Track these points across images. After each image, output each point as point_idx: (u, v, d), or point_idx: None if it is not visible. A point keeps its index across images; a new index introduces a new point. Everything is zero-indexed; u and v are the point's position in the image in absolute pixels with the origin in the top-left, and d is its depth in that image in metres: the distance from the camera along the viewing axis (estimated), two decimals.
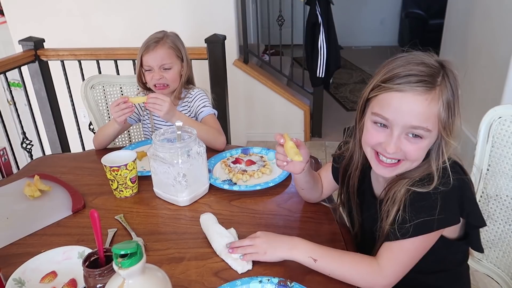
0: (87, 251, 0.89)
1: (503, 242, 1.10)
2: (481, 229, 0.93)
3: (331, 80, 3.46)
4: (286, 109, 3.35)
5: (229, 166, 1.27)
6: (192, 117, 1.50)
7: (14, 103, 2.31)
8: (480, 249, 0.94)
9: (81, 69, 2.35)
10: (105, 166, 1.12)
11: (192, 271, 0.87)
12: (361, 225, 0.99)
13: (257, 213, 1.07)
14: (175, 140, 1.11)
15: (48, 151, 2.53)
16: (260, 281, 0.81)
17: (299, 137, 3.38)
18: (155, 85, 1.45)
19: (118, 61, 2.33)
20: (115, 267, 0.61)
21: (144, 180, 1.20)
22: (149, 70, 1.44)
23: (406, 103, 0.77)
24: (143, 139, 1.72)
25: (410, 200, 0.81)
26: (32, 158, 2.34)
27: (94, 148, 1.48)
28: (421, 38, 4.95)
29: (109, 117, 1.81)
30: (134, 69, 1.54)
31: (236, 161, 1.30)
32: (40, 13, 3.04)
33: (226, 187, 1.17)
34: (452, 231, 0.88)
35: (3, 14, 3.16)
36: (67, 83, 2.38)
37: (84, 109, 1.83)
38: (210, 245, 0.93)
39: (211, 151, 1.35)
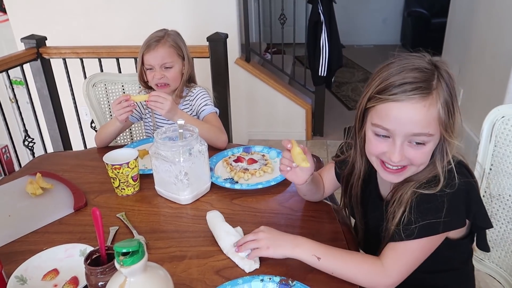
0: (89, 249, 0.89)
1: (506, 241, 1.10)
2: None
3: (333, 79, 3.45)
4: (288, 107, 3.34)
5: (230, 164, 1.27)
6: (194, 115, 1.50)
7: (16, 101, 2.32)
8: (486, 249, 0.93)
9: (83, 67, 2.35)
10: (107, 164, 1.12)
11: (194, 269, 0.87)
12: (366, 226, 0.99)
13: (258, 212, 1.07)
14: (177, 139, 1.11)
15: (50, 149, 2.53)
16: (262, 280, 0.80)
17: (300, 136, 3.39)
18: (156, 84, 1.45)
19: (120, 59, 2.33)
20: (116, 265, 0.61)
21: (145, 178, 1.20)
22: (150, 69, 1.44)
23: (405, 113, 0.76)
24: (144, 137, 1.72)
25: (416, 202, 0.81)
26: (34, 156, 2.34)
27: (96, 146, 1.48)
28: (423, 37, 4.96)
29: (111, 115, 1.81)
30: (136, 67, 1.54)
31: (238, 160, 1.30)
32: (43, 11, 3.04)
33: (227, 185, 1.17)
34: (457, 232, 0.88)
35: (5, 12, 3.17)
36: (69, 81, 2.38)
37: (86, 107, 1.84)
38: (212, 244, 0.93)
39: (213, 150, 1.34)
